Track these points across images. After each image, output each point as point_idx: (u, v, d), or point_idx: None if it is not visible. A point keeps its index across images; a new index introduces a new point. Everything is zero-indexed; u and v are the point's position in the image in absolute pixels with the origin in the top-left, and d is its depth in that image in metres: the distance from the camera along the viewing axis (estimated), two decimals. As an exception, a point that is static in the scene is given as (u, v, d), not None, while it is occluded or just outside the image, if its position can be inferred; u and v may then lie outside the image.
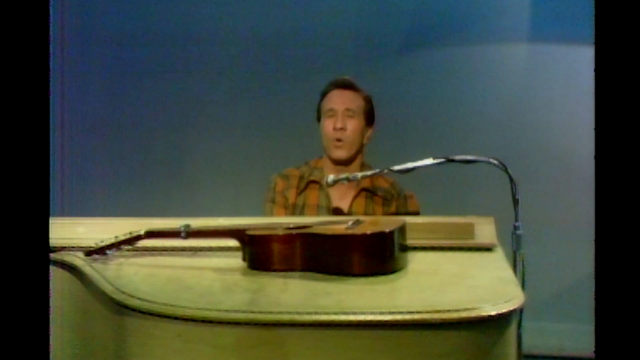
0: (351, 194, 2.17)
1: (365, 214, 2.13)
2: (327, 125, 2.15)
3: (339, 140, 2.12)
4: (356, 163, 2.18)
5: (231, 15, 3.47)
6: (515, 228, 1.66)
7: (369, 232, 1.31)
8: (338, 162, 2.15)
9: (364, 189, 2.17)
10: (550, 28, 3.27)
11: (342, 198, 2.18)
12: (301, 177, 2.20)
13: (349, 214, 2.14)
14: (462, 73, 3.38)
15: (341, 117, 2.13)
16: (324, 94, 2.21)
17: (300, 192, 2.18)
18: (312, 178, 2.19)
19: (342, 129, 2.12)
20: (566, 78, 3.24)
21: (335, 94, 2.18)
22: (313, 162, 2.24)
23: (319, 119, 2.22)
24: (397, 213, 2.15)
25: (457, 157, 1.76)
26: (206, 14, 3.49)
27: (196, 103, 3.57)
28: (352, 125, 2.13)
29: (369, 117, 2.20)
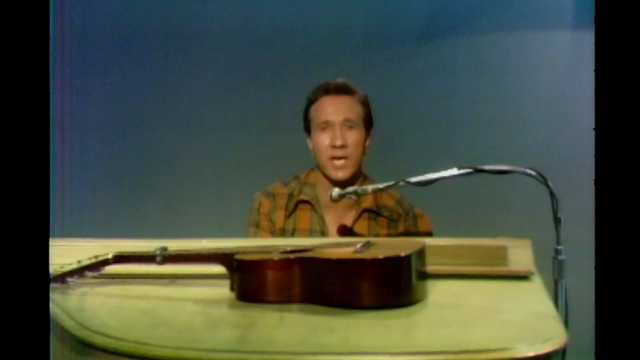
0: (351, 215, 2.14)
1: None
2: (322, 140, 2.09)
3: (339, 158, 2.07)
4: (358, 180, 2.14)
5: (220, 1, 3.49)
6: (557, 252, 1.66)
7: (381, 256, 1.31)
8: (338, 184, 2.07)
9: (366, 210, 2.14)
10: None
11: (339, 220, 2.14)
12: (290, 196, 2.16)
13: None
14: (492, 65, 3.38)
15: (339, 130, 2.07)
16: (312, 101, 2.14)
17: (290, 214, 2.14)
18: (301, 197, 2.15)
19: (343, 146, 2.07)
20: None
21: (327, 101, 2.11)
22: (303, 176, 2.20)
23: (307, 129, 2.16)
24: (406, 235, 2.12)
25: (487, 167, 1.76)
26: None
27: (176, 101, 3.57)
28: (353, 139, 2.08)
29: (368, 124, 2.15)
